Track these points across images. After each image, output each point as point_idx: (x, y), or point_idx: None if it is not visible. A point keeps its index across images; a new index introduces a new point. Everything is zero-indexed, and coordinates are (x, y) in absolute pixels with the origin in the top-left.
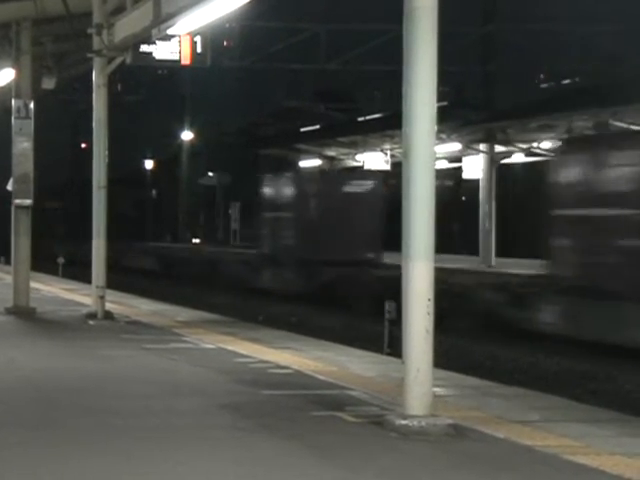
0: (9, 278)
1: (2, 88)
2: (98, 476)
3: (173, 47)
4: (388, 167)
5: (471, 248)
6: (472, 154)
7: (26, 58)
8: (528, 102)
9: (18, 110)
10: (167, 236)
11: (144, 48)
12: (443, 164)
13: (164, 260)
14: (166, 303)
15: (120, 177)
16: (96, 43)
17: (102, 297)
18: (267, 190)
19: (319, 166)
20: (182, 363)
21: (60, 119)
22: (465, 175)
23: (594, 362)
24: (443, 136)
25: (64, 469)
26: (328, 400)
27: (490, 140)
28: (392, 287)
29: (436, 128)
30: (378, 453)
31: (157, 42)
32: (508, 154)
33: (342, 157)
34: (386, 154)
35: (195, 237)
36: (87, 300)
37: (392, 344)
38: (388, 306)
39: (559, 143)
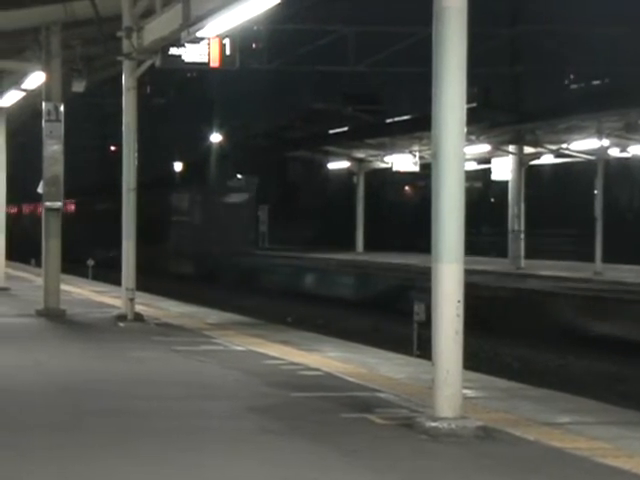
0: (40, 280)
1: (33, 91)
2: (124, 478)
3: (202, 50)
4: (417, 169)
5: (500, 250)
6: (501, 155)
7: (56, 61)
8: (557, 103)
9: (48, 113)
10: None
11: (173, 51)
12: (472, 165)
13: None
14: (195, 305)
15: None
16: (125, 46)
17: (132, 299)
18: None
19: None
20: (212, 365)
21: (89, 121)
22: (494, 176)
23: (624, 364)
24: (472, 137)
25: (91, 471)
26: (358, 402)
27: (519, 141)
28: None
29: (465, 130)
30: (408, 455)
31: (186, 45)
32: (537, 155)
33: (370, 159)
34: (415, 156)
35: None
36: (117, 302)
37: (421, 346)
38: (417, 308)
39: None
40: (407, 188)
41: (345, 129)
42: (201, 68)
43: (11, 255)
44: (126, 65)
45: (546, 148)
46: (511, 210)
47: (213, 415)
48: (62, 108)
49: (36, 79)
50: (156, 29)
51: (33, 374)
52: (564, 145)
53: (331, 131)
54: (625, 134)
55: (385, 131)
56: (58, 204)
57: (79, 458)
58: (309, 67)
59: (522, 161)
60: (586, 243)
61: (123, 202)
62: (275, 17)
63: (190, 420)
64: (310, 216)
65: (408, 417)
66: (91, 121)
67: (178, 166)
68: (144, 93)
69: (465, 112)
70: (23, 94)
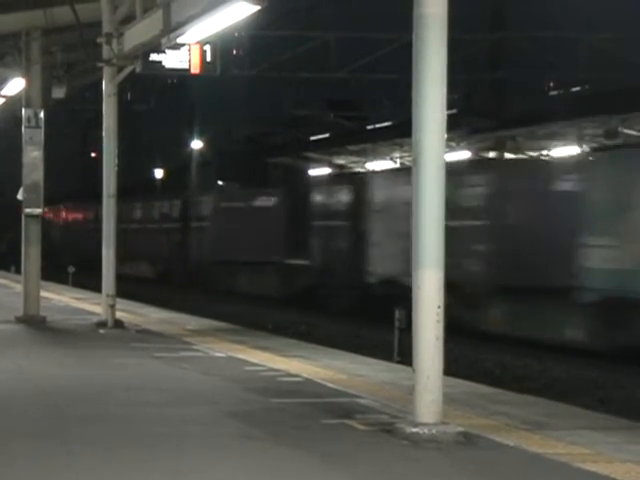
0: (20, 287)
1: (12, 97)
2: None
3: (183, 56)
4: None
5: None
6: None
7: (36, 68)
8: (537, 109)
9: (28, 119)
10: None
11: (154, 57)
12: None
13: None
14: (175, 311)
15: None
16: (106, 52)
17: (112, 306)
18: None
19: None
20: (192, 371)
21: (69, 128)
22: None
23: (603, 370)
24: (452, 144)
25: (73, 478)
26: (338, 408)
27: (499, 148)
28: None
29: (446, 136)
30: (389, 461)
31: (167, 51)
32: None
33: (351, 165)
34: (395, 162)
35: None
36: (97, 309)
37: (402, 352)
38: (398, 314)
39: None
40: None
41: (326, 135)
42: (182, 74)
43: None
44: (106, 71)
45: (527, 155)
46: None
47: (194, 421)
48: (42, 114)
49: (16, 85)
50: (136, 35)
51: (14, 381)
52: (545, 151)
53: (312, 137)
54: (605, 141)
55: (366, 137)
56: (38, 211)
57: (61, 465)
58: (290, 73)
59: None
60: None
61: (103, 209)
62: (256, 23)
63: (171, 426)
64: None
65: (389, 423)
66: (72, 127)
67: (159, 173)
68: (125, 99)
69: (446, 118)
70: (3, 100)
